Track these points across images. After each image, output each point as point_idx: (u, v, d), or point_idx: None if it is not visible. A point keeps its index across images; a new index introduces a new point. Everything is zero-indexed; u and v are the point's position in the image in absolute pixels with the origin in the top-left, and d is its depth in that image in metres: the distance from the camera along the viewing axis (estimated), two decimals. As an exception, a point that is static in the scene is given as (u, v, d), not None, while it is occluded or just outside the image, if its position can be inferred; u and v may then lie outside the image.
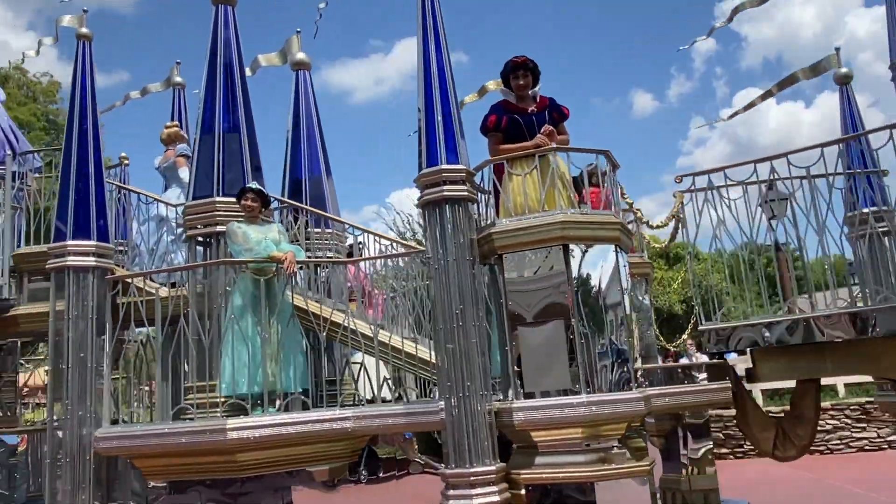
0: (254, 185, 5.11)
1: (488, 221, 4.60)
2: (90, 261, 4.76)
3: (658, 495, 4.70)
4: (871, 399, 12.06)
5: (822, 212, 4.53)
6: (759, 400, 12.39)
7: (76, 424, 4.52)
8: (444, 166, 4.39)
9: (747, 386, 5.35)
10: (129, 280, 4.91)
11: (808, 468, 9.61)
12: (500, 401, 4.37)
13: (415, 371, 5.29)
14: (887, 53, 5.69)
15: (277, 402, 4.41)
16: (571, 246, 4.30)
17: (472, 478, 3.99)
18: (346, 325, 4.90)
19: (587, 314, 4.25)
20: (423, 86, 4.61)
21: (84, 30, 5.28)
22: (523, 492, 4.11)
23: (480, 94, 8.04)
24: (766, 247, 5.07)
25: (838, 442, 12.37)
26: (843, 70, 6.34)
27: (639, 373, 4.97)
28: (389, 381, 5.28)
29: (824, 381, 5.64)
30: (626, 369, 4.35)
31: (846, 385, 13.33)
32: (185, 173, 6.91)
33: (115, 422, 4.86)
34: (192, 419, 4.41)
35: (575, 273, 4.27)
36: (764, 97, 7.02)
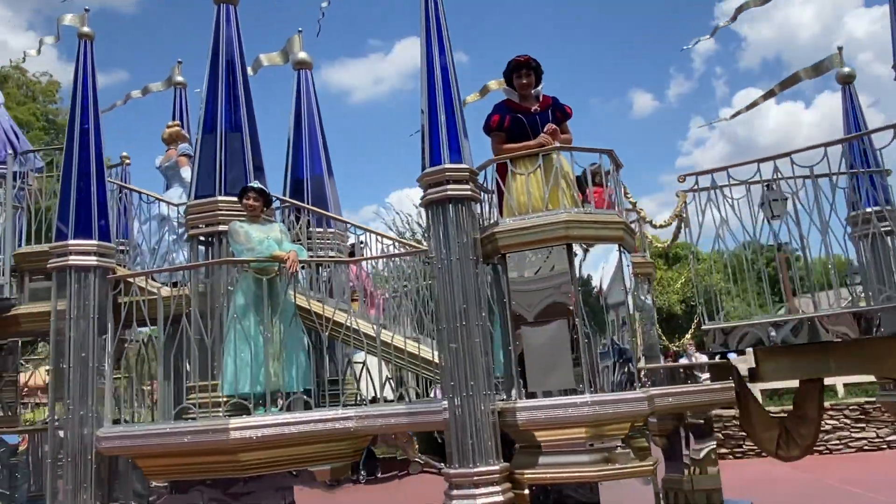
0: (256, 184, 5.11)
1: (491, 221, 4.59)
2: (92, 260, 4.76)
3: (661, 495, 4.69)
4: (871, 399, 12.08)
5: (825, 211, 4.54)
6: (759, 400, 12.36)
7: (77, 424, 4.52)
8: (448, 165, 4.37)
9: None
10: (131, 279, 4.91)
11: (807, 468, 9.59)
12: (503, 400, 4.36)
13: (417, 371, 5.28)
14: (886, 54, 5.72)
15: (280, 402, 4.41)
16: (574, 245, 4.29)
17: (475, 477, 3.98)
18: (348, 324, 4.89)
19: (590, 314, 4.24)
20: (426, 86, 4.59)
21: (85, 29, 5.28)
22: (527, 492, 4.10)
23: (482, 93, 8.03)
24: (769, 247, 5.07)
25: (837, 442, 12.37)
26: (846, 69, 6.33)
27: (642, 373, 4.96)
28: (391, 381, 5.27)
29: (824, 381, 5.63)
30: (629, 369, 4.35)
31: (845, 385, 13.34)
32: (186, 172, 6.89)
33: (116, 421, 4.85)
34: (194, 419, 4.41)
35: (578, 273, 4.26)
36: (766, 97, 7.01)
